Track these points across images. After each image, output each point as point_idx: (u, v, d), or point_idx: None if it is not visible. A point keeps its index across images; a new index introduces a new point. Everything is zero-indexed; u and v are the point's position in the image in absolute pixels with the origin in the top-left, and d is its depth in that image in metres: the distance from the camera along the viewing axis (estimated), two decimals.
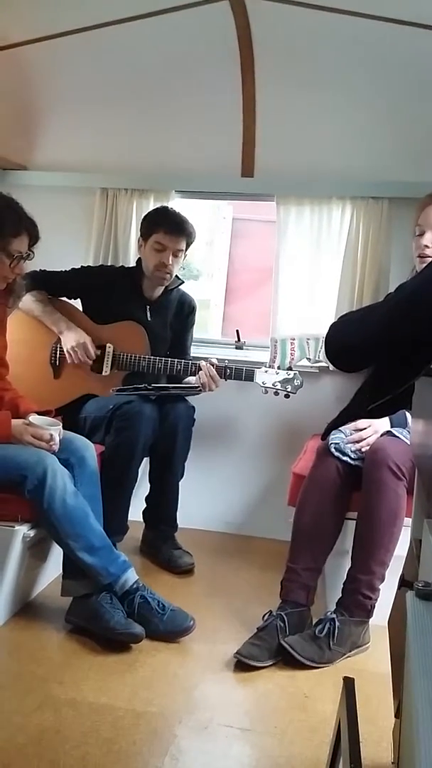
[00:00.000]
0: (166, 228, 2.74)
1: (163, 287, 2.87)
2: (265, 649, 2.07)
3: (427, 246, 2.33)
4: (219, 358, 2.80)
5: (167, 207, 2.91)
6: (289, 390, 2.69)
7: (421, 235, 2.35)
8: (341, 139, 2.92)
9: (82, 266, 2.94)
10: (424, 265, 2.37)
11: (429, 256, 2.31)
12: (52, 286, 2.85)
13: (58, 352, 2.78)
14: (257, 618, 2.19)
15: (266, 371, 2.72)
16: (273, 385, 2.69)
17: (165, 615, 2.16)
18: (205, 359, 2.75)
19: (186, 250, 2.81)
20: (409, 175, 2.81)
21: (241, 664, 2.05)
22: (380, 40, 2.53)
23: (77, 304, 2.91)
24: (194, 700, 1.89)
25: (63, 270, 2.88)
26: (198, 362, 2.73)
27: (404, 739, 0.84)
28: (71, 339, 2.72)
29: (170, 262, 2.75)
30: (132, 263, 3.00)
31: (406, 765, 0.76)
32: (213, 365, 2.71)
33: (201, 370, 2.70)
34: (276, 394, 2.71)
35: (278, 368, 2.77)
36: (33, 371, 2.76)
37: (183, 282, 2.97)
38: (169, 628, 2.15)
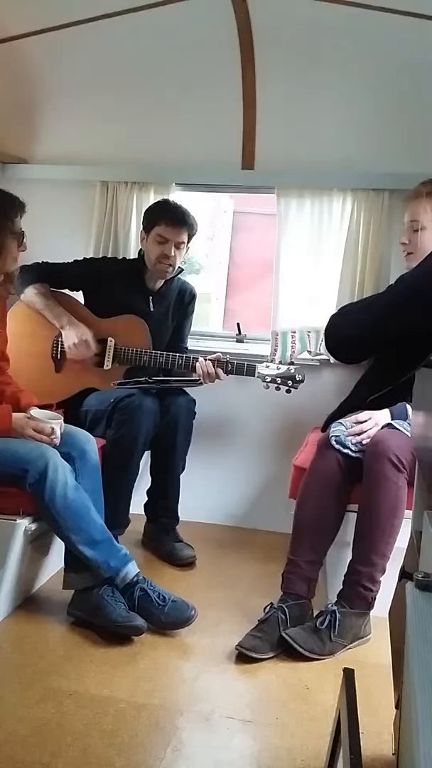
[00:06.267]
0: (168, 220, 2.74)
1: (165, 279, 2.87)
2: (266, 641, 2.08)
3: (403, 243, 2.36)
4: (221, 352, 2.79)
5: (168, 200, 2.91)
6: (290, 385, 2.68)
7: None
8: (342, 130, 2.91)
9: (84, 258, 2.94)
10: (408, 260, 2.42)
11: (410, 253, 2.34)
12: (54, 278, 2.84)
13: (59, 346, 2.78)
14: (258, 610, 2.20)
15: (267, 366, 2.71)
16: (274, 380, 2.69)
17: (166, 606, 2.16)
18: (206, 355, 2.74)
19: (188, 242, 2.81)
20: (409, 166, 2.78)
21: (243, 656, 2.05)
22: (381, 30, 2.52)
23: (79, 296, 2.90)
24: (196, 692, 1.90)
25: (65, 262, 2.87)
26: (198, 357, 2.73)
27: (404, 730, 0.84)
28: (73, 335, 2.72)
29: (172, 253, 2.75)
30: (132, 256, 3.00)
31: (406, 756, 0.76)
32: (213, 362, 2.70)
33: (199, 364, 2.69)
34: (277, 389, 2.70)
35: (279, 362, 2.76)
36: (34, 365, 2.76)
37: (182, 270, 2.97)
38: (170, 619, 2.16)
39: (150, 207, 2.87)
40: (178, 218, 2.75)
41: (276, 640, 2.08)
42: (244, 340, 3.22)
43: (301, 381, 2.68)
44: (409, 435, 2.18)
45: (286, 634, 2.07)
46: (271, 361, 2.77)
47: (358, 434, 2.28)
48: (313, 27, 2.60)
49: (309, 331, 3.00)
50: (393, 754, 1.55)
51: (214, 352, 2.76)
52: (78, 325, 2.75)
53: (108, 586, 2.15)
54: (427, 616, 0.78)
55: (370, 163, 2.88)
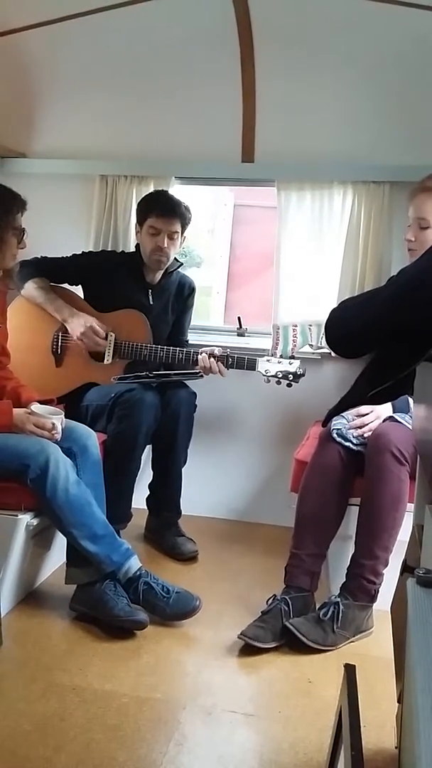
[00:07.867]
0: (159, 211, 2.73)
1: (163, 271, 2.86)
2: (269, 631, 2.08)
3: (409, 240, 2.34)
4: (222, 346, 2.79)
5: (160, 191, 2.91)
6: (291, 379, 2.67)
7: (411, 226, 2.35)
8: (342, 123, 2.89)
9: (83, 252, 2.94)
10: (412, 257, 2.40)
11: (413, 250, 2.32)
12: (54, 272, 2.84)
13: (60, 341, 2.78)
14: (261, 604, 2.20)
15: (268, 360, 2.70)
16: (275, 374, 2.68)
17: (170, 598, 2.17)
18: (207, 349, 2.73)
19: (182, 232, 2.80)
20: (410, 158, 2.78)
21: (245, 649, 2.06)
22: (380, 22, 2.50)
23: (78, 291, 2.90)
24: (198, 686, 1.90)
25: (64, 256, 2.87)
26: (199, 351, 2.72)
27: (406, 723, 0.84)
28: (78, 326, 2.71)
29: (165, 244, 2.74)
30: (131, 250, 2.99)
31: (408, 750, 0.76)
32: (215, 357, 2.70)
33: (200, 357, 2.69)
34: (278, 383, 2.69)
35: (280, 356, 2.75)
36: (35, 360, 2.76)
37: (182, 264, 2.96)
38: (175, 610, 2.17)
39: (142, 200, 2.87)
40: (169, 209, 2.74)
41: (279, 630, 2.08)
42: (245, 334, 3.21)
43: (302, 375, 2.68)
44: (411, 428, 2.18)
45: (290, 623, 2.08)
46: (272, 355, 2.76)
47: (360, 427, 2.28)
48: (312, 20, 2.58)
49: (310, 325, 2.99)
50: (395, 748, 1.55)
51: (215, 347, 2.75)
52: (79, 314, 2.74)
53: (110, 581, 2.16)
54: (428, 612, 0.78)
55: (371, 156, 2.86)
